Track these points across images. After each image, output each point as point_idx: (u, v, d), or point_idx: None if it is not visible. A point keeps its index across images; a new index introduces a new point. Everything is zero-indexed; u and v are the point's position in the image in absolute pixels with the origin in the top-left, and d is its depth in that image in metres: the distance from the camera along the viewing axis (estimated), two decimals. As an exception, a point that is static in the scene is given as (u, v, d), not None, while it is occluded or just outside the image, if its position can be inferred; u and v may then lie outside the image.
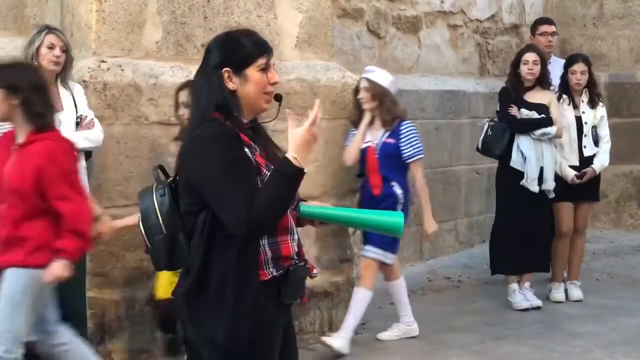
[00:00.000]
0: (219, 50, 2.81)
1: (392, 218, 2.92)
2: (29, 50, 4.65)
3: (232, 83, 2.77)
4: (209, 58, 2.82)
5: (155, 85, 5.06)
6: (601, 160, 6.54)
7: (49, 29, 4.73)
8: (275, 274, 2.75)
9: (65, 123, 4.66)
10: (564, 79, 6.57)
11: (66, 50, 4.72)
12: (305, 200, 2.96)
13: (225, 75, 2.77)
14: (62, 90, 4.73)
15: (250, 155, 2.73)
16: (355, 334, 5.68)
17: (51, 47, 4.65)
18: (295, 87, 5.46)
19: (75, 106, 4.72)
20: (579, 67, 6.51)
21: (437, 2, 8.16)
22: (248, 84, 2.78)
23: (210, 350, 2.80)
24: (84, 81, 4.87)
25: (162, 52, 5.15)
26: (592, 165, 6.50)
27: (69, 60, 4.76)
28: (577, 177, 6.44)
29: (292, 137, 2.69)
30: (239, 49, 2.79)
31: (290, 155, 2.67)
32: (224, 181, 2.64)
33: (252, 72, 2.79)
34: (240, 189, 2.63)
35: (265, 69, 2.80)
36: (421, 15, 8.00)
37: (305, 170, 2.68)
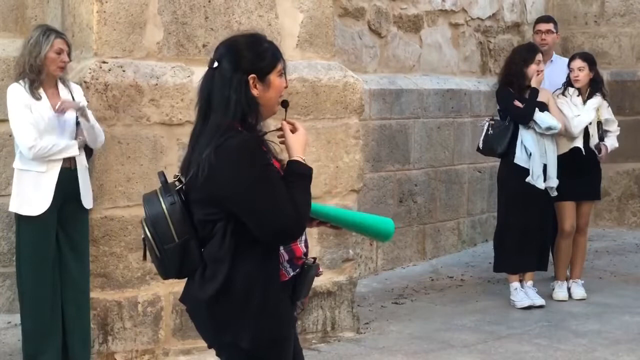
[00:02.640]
0: (242, 55, 2.76)
1: (384, 225, 2.96)
2: (34, 50, 4.62)
3: (256, 89, 2.76)
4: (225, 63, 2.76)
5: (157, 86, 5.05)
6: (612, 141, 6.55)
7: (57, 33, 4.73)
8: (292, 273, 2.81)
9: (67, 123, 4.68)
10: (569, 77, 6.56)
11: (69, 53, 4.75)
12: None
13: (251, 81, 2.75)
14: (62, 90, 4.74)
15: (275, 167, 2.76)
16: (358, 333, 5.69)
17: (59, 53, 4.65)
18: (297, 87, 5.46)
19: None
20: (575, 64, 6.50)
21: (438, 0, 8.15)
22: (270, 90, 2.78)
23: (231, 354, 2.81)
24: (85, 82, 4.87)
25: (164, 53, 5.15)
26: (605, 143, 6.49)
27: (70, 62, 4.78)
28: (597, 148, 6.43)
29: (296, 141, 2.80)
30: (264, 54, 2.78)
31: (299, 157, 2.77)
32: (262, 193, 2.64)
33: (274, 77, 2.79)
34: (282, 199, 2.65)
35: (283, 73, 2.83)
36: (422, 14, 7.99)
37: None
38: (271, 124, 2.89)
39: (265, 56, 2.78)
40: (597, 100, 6.45)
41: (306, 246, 2.89)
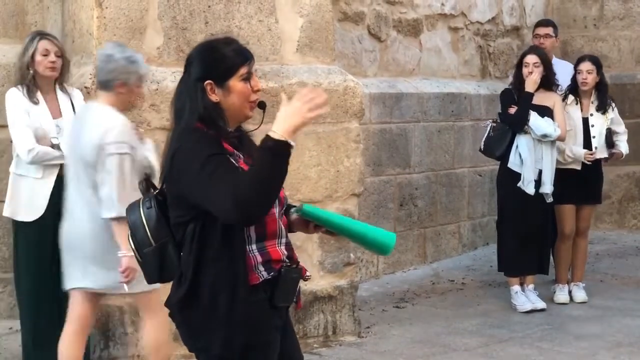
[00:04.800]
0: (200, 62, 2.78)
1: (386, 237, 2.91)
2: (24, 58, 4.63)
3: (215, 95, 2.75)
4: (191, 70, 2.79)
5: (157, 91, 5.06)
6: (625, 147, 6.58)
7: (42, 35, 4.71)
8: (266, 276, 2.75)
9: (64, 130, 4.64)
10: (574, 79, 6.56)
11: (61, 55, 4.70)
12: (294, 206, 2.94)
13: (208, 87, 2.74)
14: (60, 96, 4.72)
15: (234, 162, 2.71)
16: (360, 337, 5.69)
17: (46, 54, 4.63)
18: (298, 91, 5.45)
19: (74, 112, 4.69)
20: (584, 66, 6.50)
21: (437, 4, 8.16)
22: (232, 95, 2.76)
23: (204, 358, 2.81)
24: (85, 87, 4.87)
25: (164, 58, 5.16)
26: (620, 148, 6.52)
27: (66, 64, 4.74)
28: (606, 157, 6.43)
29: (283, 111, 2.63)
30: (220, 60, 2.76)
31: (275, 131, 2.59)
32: (207, 178, 2.60)
33: (235, 82, 2.76)
34: (224, 180, 2.58)
35: (247, 77, 2.78)
36: (422, 18, 8.00)
37: (290, 142, 2.59)
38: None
39: (220, 62, 2.76)
40: (614, 112, 6.54)
41: (288, 249, 2.84)
